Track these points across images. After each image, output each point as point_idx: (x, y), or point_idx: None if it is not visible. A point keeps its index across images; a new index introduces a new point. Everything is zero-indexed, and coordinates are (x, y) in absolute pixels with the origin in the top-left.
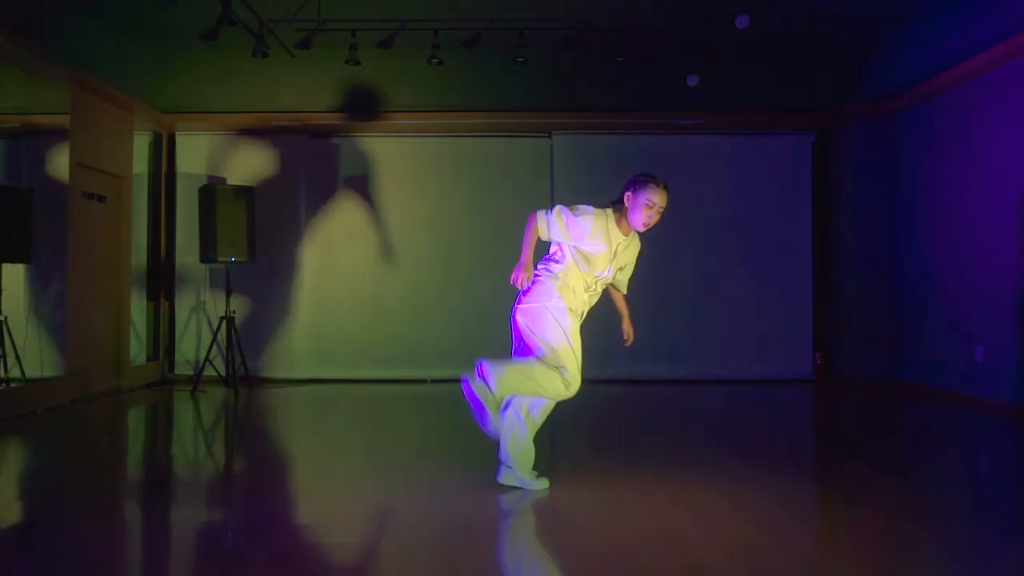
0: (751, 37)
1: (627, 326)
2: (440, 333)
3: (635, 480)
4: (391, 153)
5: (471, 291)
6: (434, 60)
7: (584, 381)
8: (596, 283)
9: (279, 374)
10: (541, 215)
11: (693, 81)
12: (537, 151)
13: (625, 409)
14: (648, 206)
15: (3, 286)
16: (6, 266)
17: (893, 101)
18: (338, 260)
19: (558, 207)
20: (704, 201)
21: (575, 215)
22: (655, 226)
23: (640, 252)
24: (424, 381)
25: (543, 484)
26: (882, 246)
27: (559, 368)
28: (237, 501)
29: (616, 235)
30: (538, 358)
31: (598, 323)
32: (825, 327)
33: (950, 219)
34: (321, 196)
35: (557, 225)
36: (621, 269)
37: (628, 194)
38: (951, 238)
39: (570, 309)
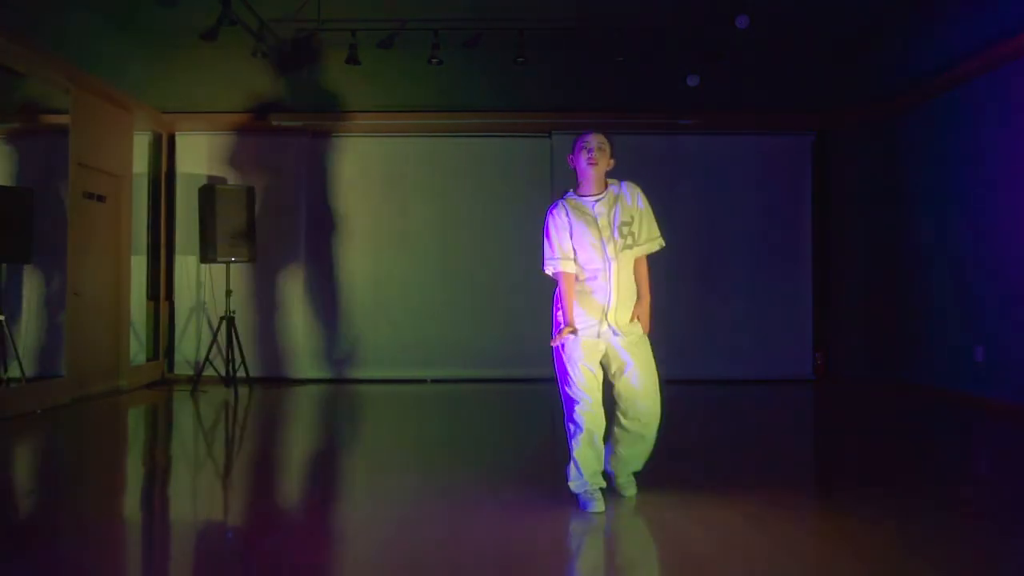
0: (751, 37)
1: (637, 309)
2: (440, 333)
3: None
4: (391, 153)
5: (471, 291)
6: (434, 60)
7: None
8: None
9: (279, 374)
10: (549, 265)
11: (693, 81)
12: (537, 151)
13: None
14: (584, 148)
15: (3, 286)
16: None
17: (893, 101)
18: (338, 260)
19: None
20: (704, 201)
21: (551, 228)
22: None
23: (644, 198)
24: (424, 381)
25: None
26: (882, 246)
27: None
28: (236, 501)
29: (580, 206)
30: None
31: None
32: (825, 327)
33: (950, 219)
34: (321, 196)
35: (550, 249)
36: (627, 224)
37: (570, 157)
38: (951, 238)
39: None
